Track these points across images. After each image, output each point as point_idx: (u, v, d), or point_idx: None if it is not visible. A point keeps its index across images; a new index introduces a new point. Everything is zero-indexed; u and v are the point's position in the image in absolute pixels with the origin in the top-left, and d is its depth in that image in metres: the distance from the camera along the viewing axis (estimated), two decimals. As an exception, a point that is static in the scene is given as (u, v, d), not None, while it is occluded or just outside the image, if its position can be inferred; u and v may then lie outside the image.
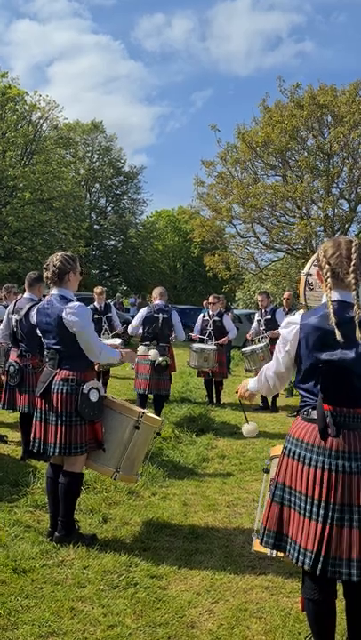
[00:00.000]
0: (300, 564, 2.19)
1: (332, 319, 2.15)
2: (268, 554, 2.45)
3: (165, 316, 6.71)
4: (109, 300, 11.24)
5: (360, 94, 19.19)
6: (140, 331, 6.78)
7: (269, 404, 8.79)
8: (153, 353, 6.43)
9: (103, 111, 70.43)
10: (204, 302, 9.73)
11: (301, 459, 2.24)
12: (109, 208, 38.19)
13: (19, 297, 5.64)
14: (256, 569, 3.30)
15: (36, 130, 26.00)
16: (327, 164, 19.97)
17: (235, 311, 18.57)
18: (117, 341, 7.69)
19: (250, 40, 72.25)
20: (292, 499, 2.27)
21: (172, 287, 38.08)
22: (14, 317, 5.26)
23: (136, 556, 3.36)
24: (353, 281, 2.19)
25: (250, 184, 20.49)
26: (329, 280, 2.24)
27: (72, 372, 3.49)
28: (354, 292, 2.19)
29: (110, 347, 3.83)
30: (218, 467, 5.49)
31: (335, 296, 2.25)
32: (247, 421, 3.02)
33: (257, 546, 2.75)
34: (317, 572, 2.13)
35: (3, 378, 5.53)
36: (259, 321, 8.83)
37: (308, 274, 2.74)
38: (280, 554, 2.40)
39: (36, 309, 3.78)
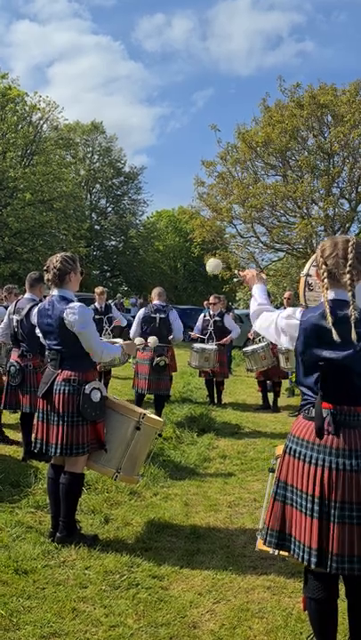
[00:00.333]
0: (305, 562, 2.20)
1: (329, 319, 2.16)
2: (271, 552, 2.45)
3: (163, 315, 6.72)
4: (110, 301, 11.24)
5: (360, 94, 19.19)
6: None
7: (270, 403, 8.79)
8: (152, 340, 6.40)
9: (103, 112, 70.62)
10: (205, 302, 9.73)
11: (302, 457, 2.25)
12: (110, 208, 38.21)
13: (19, 297, 5.64)
14: (258, 569, 3.30)
15: (37, 131, 26.03)
16: (328, 164, 19.98)
17: (236, 311, 18.58)
18: (118, 342, 7.69)
19: (250, 39, 72.32)
20: (294, 497, 2.28)
21: (173, 287, 38.08)
22: (15, 318, 5.27)
23: (138, 557, 3.36)
24: (349, 281, 2.19)
25: (250, 184, 20.49)
26: (326, 280, 2.26)
27: (74, 373, 3.49)
28: (350, 293, 2.19)
29: (110, 345, 3.83)
30: (219, 467, 5.49)
31: (331, 295, 2.26)
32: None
33: (261, 545, 2.75)
34: (324, 569, 2.14)
35: (4, 378, 5.53)
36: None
37: (308, 274, 2.73)
38: (284, 553, 2.40)
39: (36, 310, 3.78)
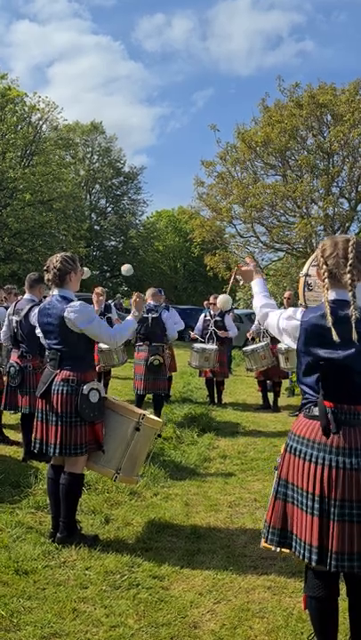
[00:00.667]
0: (305, 559, 2.21)
1: (329, 319, 2.16)
2: (273, 549, 2.45)
3: (155, 315, 6.75)
4: (110, 301, 11.24)
5: (360, 93, 19.20)
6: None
7: (270, 403, 8.79)
8: (126, 268, 6.35)
9: (103, 112, 70.45)
10: (205, 302, 9.73)
11: (303, 455, 2.25)
12: (109, 209, 38.20)
13: (19, 298, 5.64)
14: (258, 569, 3.30)
15: (36, 131, 26.02)
16: (327, 163, 19.99)
17: (236, 311, 18.57)
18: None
19: (250, 39, 72.15)
20: (295, 495, 2.29)
21: (173, 287, 38.09)
22: (14, 318, 5.27)
23: (138, 557, 3.36)
24: (349, 281, 2.19)
25: (250, 184, 20.51)
26: (326, 280, 2.26)
27: (72, 373, 3.49)
28: (351, 293, 2.19)
29: (120, 324, 3.83)
30: (219, 467, 5.49)
31: (332, 295, 2.26)
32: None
33: (265, 543, 2.74)
34: (324, 567, 2.15)
35: (4, 379, 5.53)
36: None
37: (307, 274, 2.73)
38: (285, 550, 2.40)
39: (37, 310, 3.78)
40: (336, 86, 19.65)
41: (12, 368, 5.22)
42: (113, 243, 37.76)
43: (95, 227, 35.88)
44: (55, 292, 3.62)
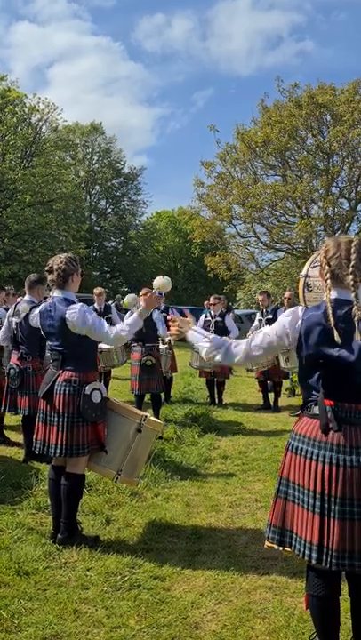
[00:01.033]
0: (306, 558, 2.21)
1: (331, 319, 2.17)
2: (276, 548, 2.45)
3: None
4: (110, 302, 11.24)
5: (360, 93, 19.21)
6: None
7: (271, 403, 8.79)
8: (130, 298, 6.34)
9: (104, 113, 70.17)
10: (205, 303, 9.73)
11: (304, 453, 2.26)
12: (109, 209, 38.24)
13: (18, 299, 5.64)
14: (259, 569, 3.29)
15: (36, 132, 26.06)
16: (327, 164, 20.00)
17: (236, 311, 18.58)
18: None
19: (250, 39, 72.04)
20: (296, 493, 2.29)
21: (173, 288, 38.08)
22: (14, 320, 5.27)
23: (139, 558, 3.36)
24: (352, 281, 2.20)
25: (250, 184, 20.52)
26: (329, 280, 2.26)
27: (75, 374, 3.49)
28: (353, 293, 2.19)
29: (124, 322, 3.67)
30: (220, 467, 5.49)
31: (334, 294, 2.26)
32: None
33: (268, 542, 2.74)
34: (323, 565, 2.15)
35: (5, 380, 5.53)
36: (260, 320, 8.82)
37: (307, 275, 2.72)
38: (288, 549, 2.39)
39: (38, 312, 3.79)
40: (336, 86, 19.69)
41: (11, 370, 5.22)
42: (113, 243, 37.80)
43: (95, 228, 35.93)
44: (57, 293, 3.62)
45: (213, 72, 70.67)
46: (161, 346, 7.83)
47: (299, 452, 2.29)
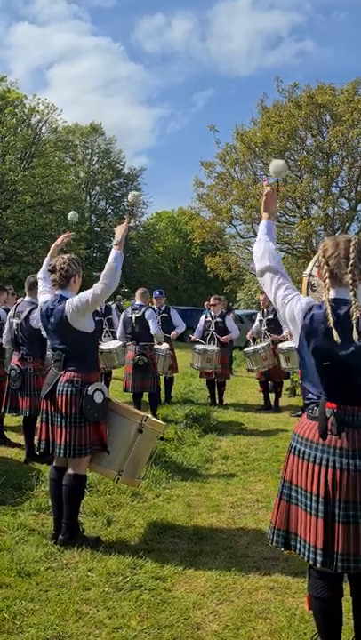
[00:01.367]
0: (310, 561, 2.20)
1: (330, 319, 2.16)
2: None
3: (138, 314, 6.80)
4: (110, 302, 11.25)
5: (359, 93, 19.21)
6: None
7: (272, 404, 8.78)
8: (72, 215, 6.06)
9: (104, 114, 70.20)
10: (206, 304, 9.72)
11: (306, 456, 2.24)
12: (109, 210, 38.23)
13: (19, 301, 5.65)
14: (261, 569, 3.29)
15: (36, 133, 26.08)
16: (327, 164, 19.99)
17: (236, 312, 18.57)
18: (118, 343, 7.71)
19: (250, 39, 72.11)
20: (299, 497, 2.28)
21: (174, 288, 38.08)
22: (15, 321, 5.27)
23: (140, 558, 3.36)
24: (350, 281, 2.19)
25: (249, 184, 20.51)
26: (327, 280, 2.26)
27: (77, 374, 3.50)
28: (352, 292, 2.18)
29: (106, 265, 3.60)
30: (221, 467, 5.49)
31: (332, 294, 2.26)
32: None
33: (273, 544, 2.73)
34: (328, 568, 2.14)
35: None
36: (261, 321, 8.82)
37: (311, 275, 2.71)
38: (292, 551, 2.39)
39: (39, 312, 3.80)
40: (335, 86, 19.68)
41: (12, 371, 5.22)
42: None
43: (95, 228, 35.92)
44: (58, 292, 3.63)
45: (213, 72, 70.79)
46: (163, 346, 7.85)
47: (302, 455, 2.27)
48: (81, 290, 3.72)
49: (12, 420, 6.48)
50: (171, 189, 77.95)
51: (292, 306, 2.35)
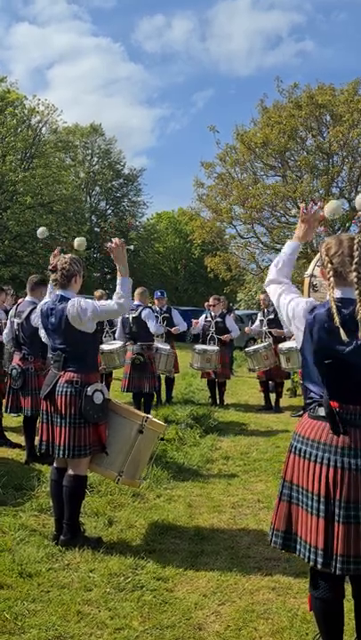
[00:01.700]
0: (311, 562, 2.19)
1: (336, 319, 2.15)
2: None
3: (134, 314, 6.81)
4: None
5: (359, 93, 19.22)
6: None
7: (273, 404, 8.78)
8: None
9: (104, 114, 70.15)
10: (206, 304, 9.72)
11: (308, 455, 2.24)
12: (110, 211, 38.26)
13: (20, 301, 5.65)
14: (262, 570, 3.29)
15: (36, 134, 26.11)
16: (327, 164, 20.00)
17: (236, 312, 18.57)
18: (118, 343, 7.71)
19: (250, 39, 72.10)
20: (300, 496, 2.27)
21: (174, 289, 38.09)
22: (16, 321, 5.28)
23: (142, 559, 3.35)
24: (355, 279, 2.18)
25: (250, 185, 20.52)
26: (332, 279, 2.24)
27: (76, 375, 3.49)
28: (357, 291, 2.17)
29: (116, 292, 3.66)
30: (222, 468, 5.49)
31: (338, 294, 2.24)
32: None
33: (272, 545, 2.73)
34: (328, 569, 2.13)
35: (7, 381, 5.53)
36: (261, 321, 8.82)
37: (312, 275, 2.69)
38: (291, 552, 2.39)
39: (39, 312, 3.80)
40: (335, 86, 19.69)
41: (14, 370, 5.23)
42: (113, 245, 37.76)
43: (95, 229, 35.93)
44: (59, 292, 3.63)
45: (213, 72, 70.79)
46: (166, 345, 7.85)
47: (303, 454, 2.26)
48: (81, 290, 3.72)
49: (12, 420, 6.48)
50: (171, 190, 78.01)
51: (295, 307, 2.36)
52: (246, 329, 9.07)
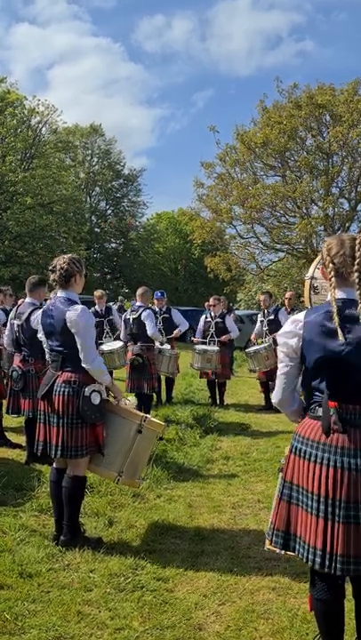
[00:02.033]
0: (310, 563, 2.19)
1: (336, 319, 2.15)
2: (278, 551, 2.44)
3: (134, 316, 6.82)
4: (111, 303, 11.24)
5: (359, 93, 19.22)
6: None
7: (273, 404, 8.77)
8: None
9: (104, 114, 70.20)
10: (206, 304, 9.72)
11: (308, 456, 2.24)
12: (110, 211, 38.23)
13: (20, 302, 5.65)
14: (263, 570, 3.29)
15: (36, 134, 26.09)
16: (327, 164, 19.99)
17: (237, 312, 18.57)
18: (118, 344, 7.72)
19: (250, 39, 72.26)
20: (300, 497, 2.27)
21: (174, 289, 38.07)
22: (16, 322, 5.27)
23: (142, 559, 3.36)
24: (357, 279, 2.18)
25: (249, 185, 20.51)
26: (333, 279, 2.24)
27: (74, 375, 3.49)
28: (358, 292, 2.17)
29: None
30: (222, 468, 5.49)
31: (340, 294, 2.24)
32: None
33: (269, 544, 2.73)
34: (326, 570, 2.13)
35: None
36: (262, 321, 8.82)
37: (313, 277, 2.67)
38: (291, 553, 2.38)
39: (38, 313, 3.79)
40: (335, 87, 19.69)
41: (14, 372, 5.22)
42: (113, 245, 37.78)
43: (95, 229, 35.92)
44: (60, 293, 3.62)
45: (213, 72, 70.85)
46: (167, 347, 7.84)
47: (303, 454, 2.26)
48: (81, 291, 3.72)
49: (12, 421, 6.48)
50: (171, 190, 78.01)
51: (287, 342, 2.34)
52: (252, 337, 9.06)
